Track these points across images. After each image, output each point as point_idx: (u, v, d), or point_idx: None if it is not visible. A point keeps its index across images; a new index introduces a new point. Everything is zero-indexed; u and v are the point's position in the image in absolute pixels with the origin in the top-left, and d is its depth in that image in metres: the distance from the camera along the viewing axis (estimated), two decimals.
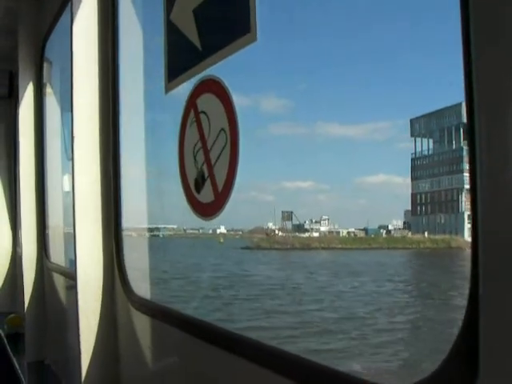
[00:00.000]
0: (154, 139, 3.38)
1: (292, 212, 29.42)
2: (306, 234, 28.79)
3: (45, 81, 4.89)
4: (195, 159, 2.08)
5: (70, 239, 3.15)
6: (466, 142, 0.94)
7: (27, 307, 4.71)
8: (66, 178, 4.59)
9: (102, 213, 3.00)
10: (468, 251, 1.02)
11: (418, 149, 20.49)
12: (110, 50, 3.00)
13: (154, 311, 2.65)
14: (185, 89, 2.22)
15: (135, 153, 3.20)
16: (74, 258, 2.98)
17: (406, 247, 22.66)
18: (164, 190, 4.41)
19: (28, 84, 4.75)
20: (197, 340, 2.15)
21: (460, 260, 18.00)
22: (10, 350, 4.87)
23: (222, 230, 35.62)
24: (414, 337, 14.84)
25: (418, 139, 20.38)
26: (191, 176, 2.13)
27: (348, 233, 28.03)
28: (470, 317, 0.99)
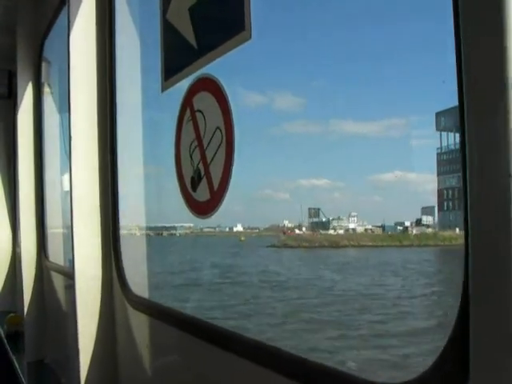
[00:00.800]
0: (154, 138, 3.38)
1: (319, 209, 28.91)
2: (331, 232, 28.08)
3: (43, 80, 4.89)
4: (191, 158, 2.08)
5: (69, 238, 3.15)
6: None
7: (26, 306, 4.71)
8: (66, 178, 4.59)
9: (99, 212, 3.01)
10: None
11: (444, 143, 19.68)
12: (107, 49, 3.00)
13: (152, 310, 2.65)
14: (182, 87, 2.22)
15: (140, 151, 3.20)
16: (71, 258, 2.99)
17: (437, 244, 21.97)
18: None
19: (27, 83, 4.75)
20: (195, 339, 2.15)
21: None
22: (9, 350, 4.88)
23: (239, 228, 35.61)
24: None
25: (444, 133, 19.54)
26: (187, 174, 2.13)
27: (365, 230, 27.60)
28: (462, 317, 0.98)
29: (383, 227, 27.03)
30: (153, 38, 2.50)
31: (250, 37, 1.74)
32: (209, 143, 1.97)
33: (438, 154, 19.77)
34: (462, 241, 0.93)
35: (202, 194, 2.01)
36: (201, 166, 2.02)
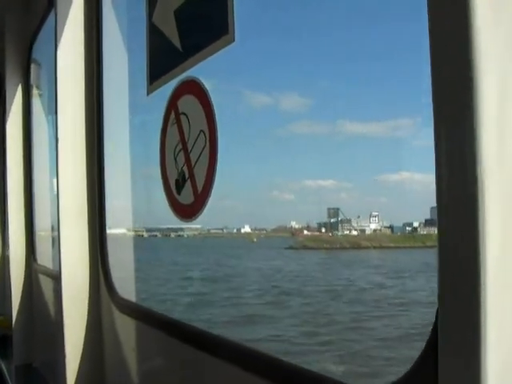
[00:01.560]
0: (142, 140, 3.38)
1: (338, 209, 28.24)
2: (346, 232, 27.43)
3: (32, 83, 4.87)
4: (176, 160, 2.08)
5: (57, 242, 3.14)
6: None
7: (15, 310, 4.69)
8: (54, 181, 4.58)
9: (87, 215, 3.00)
10: None
11: None
12: (95, 52, 3.00)
13: (138, 313, 2.65)
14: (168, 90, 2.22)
15: (128, 154, 3.20)
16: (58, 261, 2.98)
17: None
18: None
19: (16, 86, 4.74)
20: (180, 342, 2.15)
21: None
22: None
23: (247, 229, 35.41)
24: None
25: None
26: (172, 177, 2.13)
27: (374, 230, 27.16)
28: (437, 319, 0.98)
29: (392, 228, 26.68)
30: (140, 41, 2.50)
31: (234, 40, 1.74)
32: (193, 146, 1.97)
33: None
34: None
35: (187, 196, 2.01)
36: (185, 169, 2.02)
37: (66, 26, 2.98)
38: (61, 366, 2.94)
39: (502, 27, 0.82)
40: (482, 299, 0.82)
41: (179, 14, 2.09)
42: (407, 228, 25.90)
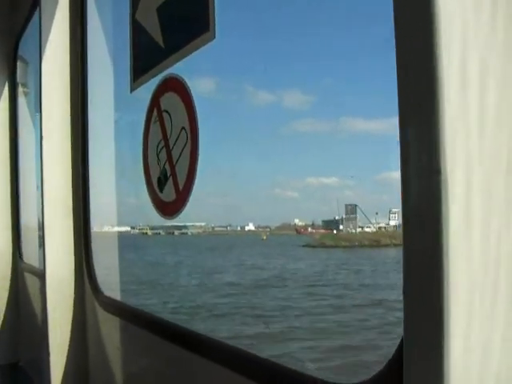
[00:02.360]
0: (127, 138, 3.37)
1: (356, 205, 27.61)
2: (359, 229, 26.73)
3: (19, 81, 4.85)
4: (158, 158, 2.08)
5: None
6: None
7: (1, 308, 4.66)
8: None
9: (72, 213, 2.98)
10: None
11: None
12: (80, 50, 2.98)
13: (123, 312, 2.64)
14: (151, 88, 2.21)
15: (113, 151, 3.18)
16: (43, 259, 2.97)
17: None
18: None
19: (2, 84, 4.71)
20: (165, 341, 2.15)
21: None
22: None
23: (251, 226, 35.20)
24: None
25: None
26: (155, 175, 2.12)
27: (379, 228, 26.70)
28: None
29: (396, 225, 26.21)
30: (124, 39, 2.49)
31: (214, 37, 1.74)
32: (174, 143, 1.97)
33: None
34: None
35: (168, 194, 2.01)
36: (167, 167, 2.01)
37: (50, 24, 2.96)
38: (46, 364, 2.93)
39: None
40: (445, 300, 0.82)
41: (162, 11, 2.09)
42: None
